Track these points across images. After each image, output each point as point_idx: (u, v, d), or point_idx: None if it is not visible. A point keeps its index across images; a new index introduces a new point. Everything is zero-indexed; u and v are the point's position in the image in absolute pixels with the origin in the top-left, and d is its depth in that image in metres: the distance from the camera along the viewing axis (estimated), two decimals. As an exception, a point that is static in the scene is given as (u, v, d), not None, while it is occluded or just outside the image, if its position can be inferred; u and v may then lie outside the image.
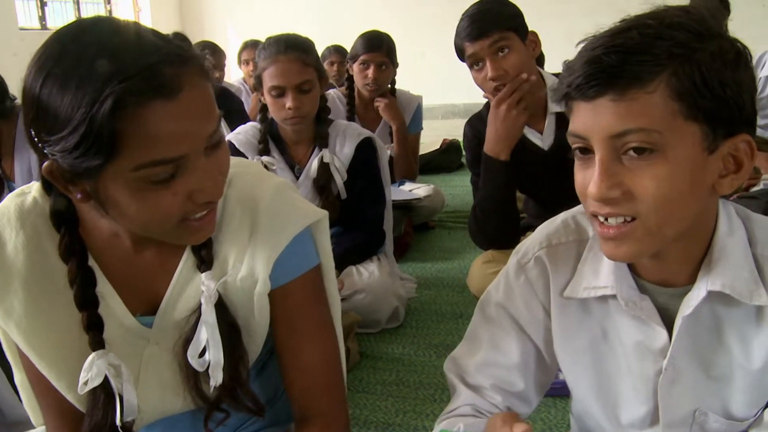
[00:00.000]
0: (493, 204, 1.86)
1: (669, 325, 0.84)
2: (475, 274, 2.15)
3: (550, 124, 1.86)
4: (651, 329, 0.85)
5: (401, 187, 3.08)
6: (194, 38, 3.20)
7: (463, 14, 1.79)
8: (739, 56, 0.73)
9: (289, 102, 1.98)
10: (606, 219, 0.76)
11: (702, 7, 0.75)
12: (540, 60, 2.01)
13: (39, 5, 6.71)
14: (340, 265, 2.10)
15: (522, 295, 0.94)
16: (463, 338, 1.02)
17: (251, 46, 4.35)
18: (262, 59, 2.01)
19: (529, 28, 1.83)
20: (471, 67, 1.79)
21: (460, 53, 1.80)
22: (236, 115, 3.19)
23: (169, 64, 0.74)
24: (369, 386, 1.80)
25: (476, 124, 1.99)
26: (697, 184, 0.74)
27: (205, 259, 0.92)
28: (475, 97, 2.04)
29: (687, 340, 0.84)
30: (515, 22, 1.77)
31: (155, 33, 0.78)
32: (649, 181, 0.72)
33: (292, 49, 1.98)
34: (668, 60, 0.70)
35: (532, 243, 0.95)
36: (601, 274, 0.86)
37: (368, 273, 2.11)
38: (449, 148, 4.34)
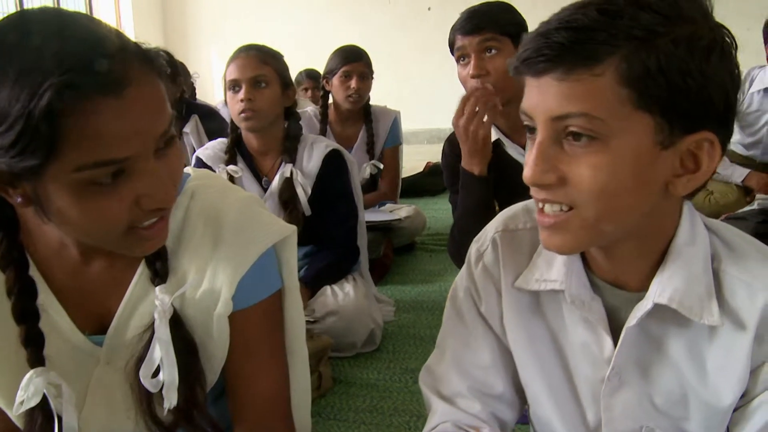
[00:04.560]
0: (471, 221, 1.79)
1: (619, 331, 0.79)
2: (454, 296, 2.09)
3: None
4: (597, 334, 0.80)
5: (381, 208, 3.03)
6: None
7: (465, 9, 1.78)
8: (713, 46, 0.66)
9: (241, 94, 1.98)
10: (544, 206, 0.72)
11: None
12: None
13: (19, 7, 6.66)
14: (315, 285, 2.05)
15: (482, 283, 0.90)
16: (436, 344, 0.97)
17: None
18: (227, 63, 2.05)
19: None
20: (458, 61, 1.78)
21: (451, 46, 1.79)
22: (219, 135, 3.16)
23: (115, 58, 0.69)
24: (341, 413, 1.74)
25: (456, 141, 1.95)
26: (643, 180, 0.69)
27: (159, 272, 0.87)
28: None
29: (632, 352, 0.79)
30: (513, 29, 1.75)
31: (106, 26, 0.74)
32: (585, 170, 0.68)
33: (253, 49, 2.04)
34: (624, 42, 0.65)
35: (489, 228, 0.91)
36: (554, 267, 0.82)
37: (343, 294, 2.04)
38: (433, 171, 4.31)
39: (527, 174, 0.71)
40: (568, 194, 0.70)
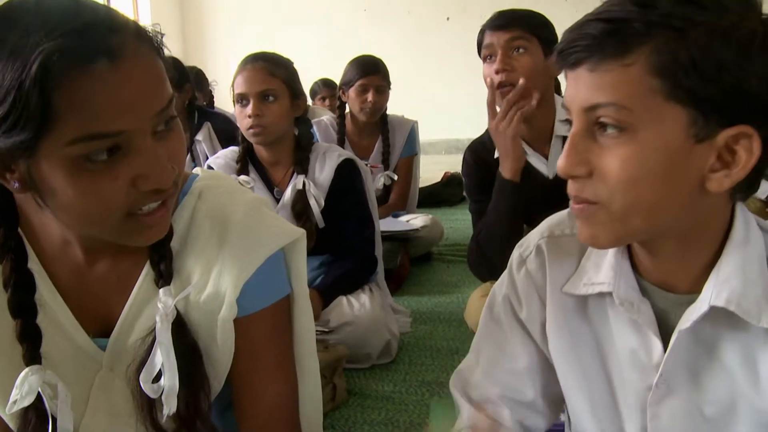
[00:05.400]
0: (499, 227, 1.74)
1: (668, 336, 0.76)
2: (473, 307, 2.04)
3: (555, 147, 1.77)
4: (646, 338, 0.78)
5: (398, 218, 3.00)
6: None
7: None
8: (753, 37, 0.64)
9: (249, 110, 1.94)
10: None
11: None
12: (556, 87, 1.95)
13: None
14: (331, 295, 2.01)
15: (524, 289, 0.89)
16: (470, 349, 0.96)
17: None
18: (234, 74, 2.01)
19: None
20: (484, 60, 1.76)
21: (479, 46, 1.78)
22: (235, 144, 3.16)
23: (109, 28, 0.68)
24: (355, 426, 1.69)
25: (478, 149, 1.92)
26: (674, 174, 0.68)
27: (163, 273, 0.84)
28: (479, 131, 1.98)
29: (683, 357, 0.76)
30: (543, 32, 1.73)
31: (112, 8, 0.73)
32: (614, 161, 0.68)
33: (261, 60, 1.98)
34: (656, 31, 0.64)
35: (534, 234, 0.90)
36: (602, 270, 0.80)
37: (359, 304, 2.00)
38: (451, 181, 4.30)
39: (560, 165, 0.71)
40: (595, 189, 0.70)
